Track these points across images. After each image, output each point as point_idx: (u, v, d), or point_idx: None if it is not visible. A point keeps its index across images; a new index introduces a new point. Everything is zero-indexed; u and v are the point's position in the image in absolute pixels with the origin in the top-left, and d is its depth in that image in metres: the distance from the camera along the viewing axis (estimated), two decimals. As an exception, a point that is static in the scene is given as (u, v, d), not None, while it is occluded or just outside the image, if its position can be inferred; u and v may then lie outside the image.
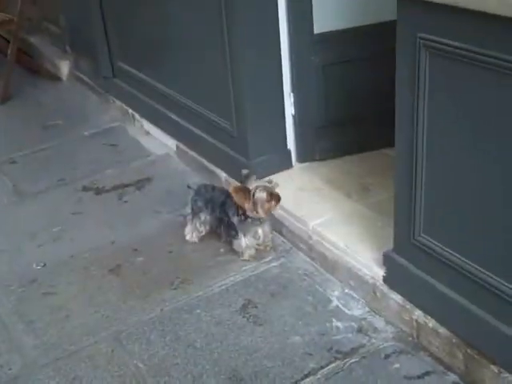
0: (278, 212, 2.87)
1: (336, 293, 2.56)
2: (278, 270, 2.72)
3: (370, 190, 2.90)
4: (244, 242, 2.74)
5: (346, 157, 3.16)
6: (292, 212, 2.84)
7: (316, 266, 2.71)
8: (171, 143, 3.73)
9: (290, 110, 3.05)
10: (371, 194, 2.87)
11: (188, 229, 2.91)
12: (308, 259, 2.75)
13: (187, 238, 2.91)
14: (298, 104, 3.04)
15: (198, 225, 2.87)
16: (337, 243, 2.61)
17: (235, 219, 2.73)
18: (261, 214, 2.67)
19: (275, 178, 2.86)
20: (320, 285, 2.61)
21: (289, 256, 2.80)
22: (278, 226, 2.90)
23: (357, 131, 3.11)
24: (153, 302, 2.59)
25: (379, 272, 2.42)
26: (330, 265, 2.63)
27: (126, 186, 3.46)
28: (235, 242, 2.77)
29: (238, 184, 2.75)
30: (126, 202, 3.33)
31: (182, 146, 3.62)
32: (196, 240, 2.90)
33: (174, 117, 3.64)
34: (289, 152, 3.13)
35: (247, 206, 2.65)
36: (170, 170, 3.59)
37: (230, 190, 2.69)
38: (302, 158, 3.16)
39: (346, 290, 2.56)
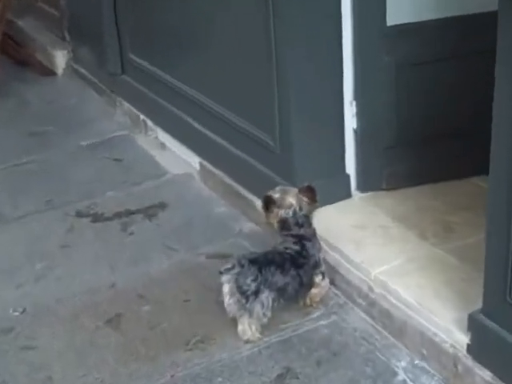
0: (330, 255, 2.88)
1: (403, 363, 2.55)
2: (328, 330, 2.72)
3: (453, 230, 2.90)
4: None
5: (422, 186, 3.17)
6: (349, 256, 2.85)
7: (377, 328, 2.70)
8: (193, 160, 3.79)
9: (351, 123, 3.08)
10: (454, 235, 2.87)
11: (245, 325, 2.71)
12: (367, 318, 2.75)
13: (245, 338, 2.71)
14: (361, 116, 3.06)
15: (260, 314, 2.72)
16: (406, 299, 2.61)
17: (317, 253, 2.77)
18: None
19: (329, 209, 2.86)
20: (382, 352, 2.60)
21: (342, 313, 2.80)
22: (330, 274, 2.89)
23: (437, 153, 3.12)
24: (161, 366, 2.60)
25: (462, 339, 2.40)
26: (397, 326, 2.62)
27: (133, 213, 3.51)
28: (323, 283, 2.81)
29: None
30: (131, 233, 3.38)
31: (207, 164, 3.68)
32: (259, 335, 2.72)
33: (198, 126, 3.69)
34: (347, 177, 3.16)
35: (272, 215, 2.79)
36: (191, 195, 3.63)
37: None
38: (364, 186, 3.18)
39: (417, 361, 2.54)
